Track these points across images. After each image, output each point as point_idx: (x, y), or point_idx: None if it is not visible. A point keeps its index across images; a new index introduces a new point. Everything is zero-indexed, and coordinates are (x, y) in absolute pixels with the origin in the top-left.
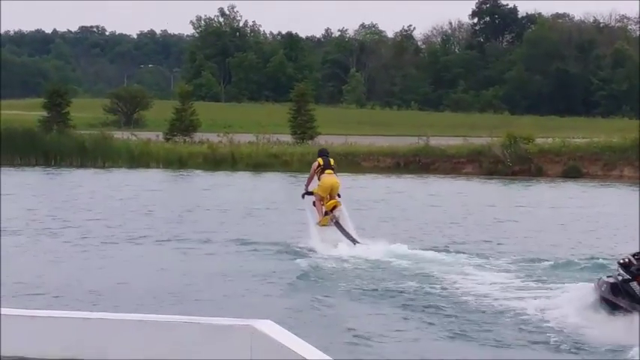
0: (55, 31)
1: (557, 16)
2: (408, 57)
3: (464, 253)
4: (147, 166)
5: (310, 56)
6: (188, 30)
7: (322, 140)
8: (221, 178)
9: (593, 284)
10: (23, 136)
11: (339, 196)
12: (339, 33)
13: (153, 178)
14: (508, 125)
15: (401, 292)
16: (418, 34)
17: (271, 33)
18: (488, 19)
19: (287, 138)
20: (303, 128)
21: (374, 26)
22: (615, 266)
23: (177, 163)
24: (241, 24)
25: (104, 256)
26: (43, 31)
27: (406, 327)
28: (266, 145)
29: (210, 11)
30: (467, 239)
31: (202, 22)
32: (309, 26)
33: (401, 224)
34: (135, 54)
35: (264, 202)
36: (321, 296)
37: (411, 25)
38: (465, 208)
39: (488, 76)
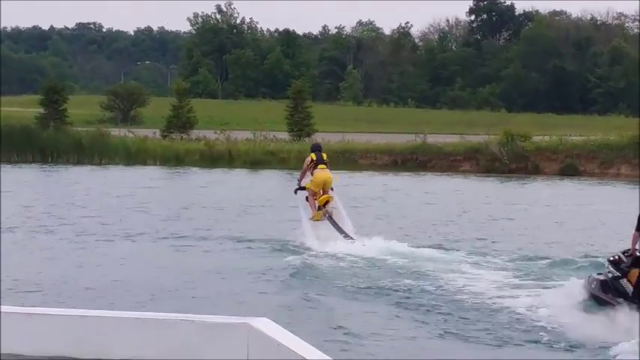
0: (52, 28)
1: (555, 13)
2: (405, 54)
3: (460, 250)
4: (144, 163)
5: (307, 53)
6: (185, 27)
7: (319, 137)
8: (218, 175)
9: (583, 281)
10: (20, 133)
11: (332, 189)
12: (337, 30)
13: (149, 175)
14: (505, 123)
15: (396, 290)
16: (415, 31)
17: (268, 30)
18: (485, 16)
19: (284, 135)
20: (300, 125)
21: (371, 23)
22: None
23: (174, 160)
24: (238, 21)
25: (100, 253)
26: (40, 28)
27: (401, 325)
28: (263, 142)
29: (208, 8)
30: (463, 237)
31: (199, 18)
32: (306, 23)
33: (397, 222)
34: (132, 51)
35: (260, 199)
36: (316, 294)
37: (408, 23)
38: (461, 206)
39: (485, 73)
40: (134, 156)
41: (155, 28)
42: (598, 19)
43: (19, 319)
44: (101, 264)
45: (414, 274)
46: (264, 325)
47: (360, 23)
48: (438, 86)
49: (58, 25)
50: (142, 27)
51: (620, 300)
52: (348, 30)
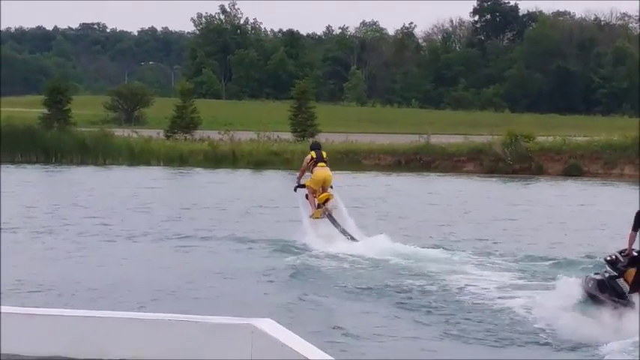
0: (55, 28)
1: (558, 14)
2: (408, 55)
3: (462, 251)
4: (147, 163)
5: (311, 54)
6: (189, 27)
7: (323, 138)
8: (221, 175)
9: (574, 280)
10: (24, 133)
11: (331, 187)
12: (340, 30)
13: (153, 175)
14: (508, 123)
15: (398, 290)
16: (419, 31)
17: (272, 30)
18: (489, 16)
19: (287, 136)
20: (303, 126)
21: (375, 24)
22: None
23: (178, 160)
24: (242, 21)
25: (102, 253)
26: (44, 28)
27: (403, 326)
28: (267, 142)
29: (211, 8)
30: (466, 237)
31: (203, 19)
32: (310, 23)
33: (400, 222)
34: (136, 51)
35: (263, 199)
36: (317, 294)
37: (412, 23)
38: (464, 207)
39: (488, 74)
40: (138, 156)
41: (159, 29)
42: (602, 19)
43: (20, 319)
44: (103, 264)
45: (416, 274)
46: (268, 325)
47: (363, 24)
48: (441, 87)
49: (62, 26)
50: (146, 27)
51: (617, 299)
52: (351, 30)
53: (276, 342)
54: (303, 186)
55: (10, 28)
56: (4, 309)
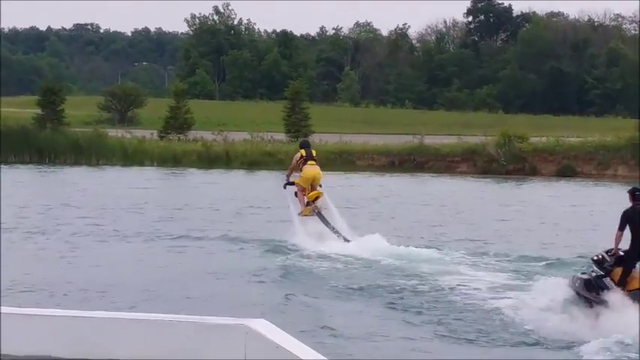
0: (49, 29)
1: (552, 14)
2: (402, 55)
3: (455, 251)
4: (141, 164)
5: (305, 54)
6: (183, 28)
7: (316, 138)
8: (215, 176)
9: (567, 280)
10: (17, 134)
11: (320, 186)
12: (334, 31)
13: (146, 176)
14: (502, 124)
15: (390, 291)
16: (413, 32)
17: (266, 31)
18: (482, 17)
19: (281, 136)
20: (297, 126)
21: (368, 24)
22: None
23: (172, 161)
24: (236, 22)
25: (95, 254)
26: (38, 29)
27: (395, 326)
28: (260, 143)
29: (205, 9)
30: (459, 238)
31: (197, 19)
32: (303, 24)
33: (393, 223)
34: (129, 52)
35: (256, 200)
36: (309, 294)
37: (405, 24)
38: (457, 207)
39: (482, 74)
40: (131, 157)
41: (152, 29)
42: (595, 20)
43: (17, 320)
44: (95, 264)
45: (409, 274)
46: (262, 326)
47: (357, 24)
48: (435, 87)
49: (56, 26)
50: (140, 28)
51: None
52: (345, 31)
53: (270, 342)
54: (293, 183)
55: (4, 28)
56: (4, 309)
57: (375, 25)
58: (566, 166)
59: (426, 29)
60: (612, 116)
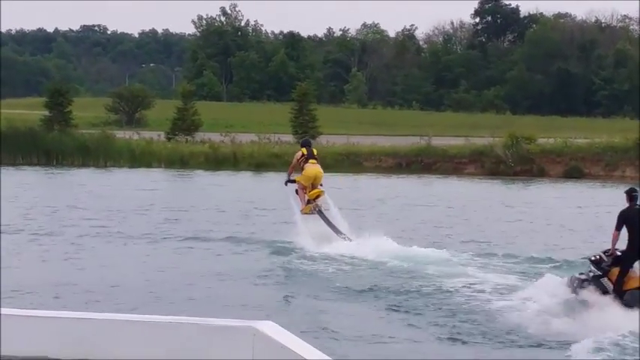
0: (56, 30)
1: (559, 15)
2: (409, 57)
3: (462, 253)
4: (149, 165)
5: (312, 56)
6: (190, 29)
7: (324, 140)
8: (222, 178)
9: (565, 280)
10: (25, 136)
11: (321, 185)
12: (341, 32)
13: (154, 177)
14: (509, 125)
15: (396, 292)
16: (420, 33)
17: (273, 32)
18: (490, 18)
19: (289, 138)
20: (304, 128)
21: (376, 26)
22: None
23: (179, 162)
24: (243, 23)
25: (101, 255)
26: (45, 30)
27: (400, 327)
28: (268, 144)
29: (212, 10)
30: (466, 239)
31: (204, 21)
32: (310, 25)
33: (400, 224)
34: (136, 53)
35: (262, 201)
36: (314, 296)
37: (412, 25)
38: (465, 209)
39: (489, 75)
40: (139, 158)
41: (160, 31)
42: (603, 21)
43: (18, 321)
44: (102, 266)
45: (415, 276)
46: (269, 328)
47: (364, 26)
48: (442, 89)
49: (63, 28)
50: (147, 29)
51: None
52: (352, 32)
53: (277, 344)
54: (294, 181)
55: (11, 30)
56: (5, 311)
57: (382, 27)
58: (574, 168)
59: (433, 30)
60: (620, 117)
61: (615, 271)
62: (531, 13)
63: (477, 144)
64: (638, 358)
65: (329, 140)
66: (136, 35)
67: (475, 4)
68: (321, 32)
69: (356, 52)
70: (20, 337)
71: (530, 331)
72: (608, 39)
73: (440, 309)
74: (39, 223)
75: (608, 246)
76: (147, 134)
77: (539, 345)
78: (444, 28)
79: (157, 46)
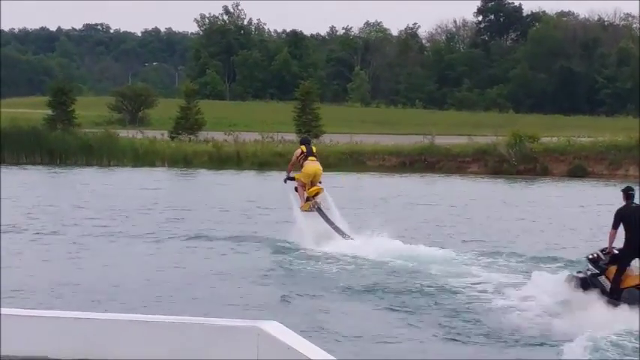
0: (59, 29)
1: (562, 14)
2: (412, 55)
3: (464, 252)
4: (152, 164)
5: (315, 54)
6: (192, 28)
7: (327, 139)
8: (226, 177)
9: (563, 278)
10: (28, 135)
11: (320, 182)
12: (344, 31)
13: (157, 176)
14: (513, 124)
15: (399, 291)
16: (423, 32)
17: (275, 31)
18: (492, 17)
19: (292, 137)
20: (308, 127)
21: (378, 24)
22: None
23: (183, 161)
24: (246, 22)
25: (104, 255)
26: (48, 29)
27: (403, 327)
28: (271, 143)
29: (215, 9)
30: (469, 238)
31: (207, 20)
32: (313, 24)
33: (402, 223)
34: (139, 52)
35: (265, 200)
36: (317, 295)
37: (415, 24)
38: (468, 208)
39: (492, 74)
40: (142, 157)
41: (162, 30)
42: (605, 19)
43: (19, 321)
44: (105, 266)
45: (418, 275)
46: (273, 327)
47: (367, 24)
48: (445, 87)
49: (66, 27)
50: (150, 28)
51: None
52: (355, 31)
53: (281, 344)
54: (293, 178)
55: (14, 28)
56: (7, 311)
57: (385, 25)
58: (578, 167)
59: (436, 29)
60: (623, 116)
61: (613, 269)
62: (534, 11)
63: (480, 143)
64: (638, 358)
65: (332, 139)
66: (139, 34)
67: (478, 3)
68: (323, 31)
69: (359, 51)
70: (20, 336)
71: (529, 331)
72: (611, 37)
73: (443, 308)
74: (42, 222)
75: (616, 244)
76: (150, 133)
77: (540, 344)
78: (446, 27)
79: (160, 45)
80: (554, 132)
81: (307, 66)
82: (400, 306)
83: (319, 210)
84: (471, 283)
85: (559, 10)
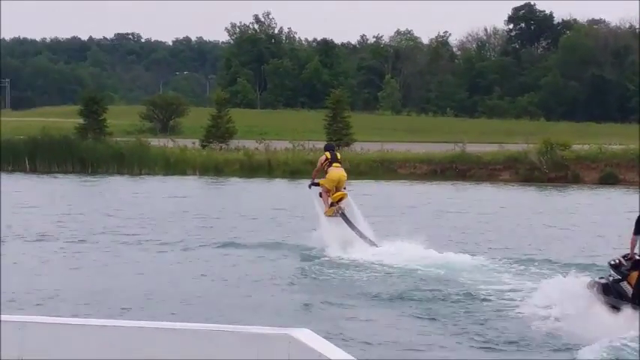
0: (91, 39)
1: (593, 22)
2: (443, 63)
3: (495, 259)
4: (183, 173)
5: (345, 63)
6: (223, 37)
7: (358, 147)
8: (256, 185)
9: (586, 283)
10: (60, 144)
11: (344, 188)
12: (375, 39)
13: (188, 185)
14: (544, 131)
15: (428, 299)
16: (453, 40)
17: (306, 39)
18: (523, 25)
19: (323, 145)
20: (339, 135)
21: (409, 32)
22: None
23: (214, 170)
24: (276, 31)
25: (135, 262)
26: (79, 39)
27: (433, 335)
28: (302, 152)
29: (246, 18)
30: (499, 246)
31: (237, 29)
32: (344, 33)
33: (431, 230)
34: (170, 61)
35: (295, 208)
36: (346, 304)
37: (446, 32)
38: (499, 215)
39: (523, 82)
40: (173, 166)
41: (193, 39)
42: (636, 27)
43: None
44: (137, 274)
45: (447, 282)
46: (305, 335)
47: (398, 32)
48: (476, 95)
49: (97, 36)
50: (181, 37)
51: (621, 301)
52: (386, 39)
53: (313, 352)
54: (318, 184)
55: (46, 38)
56: (33, 318)
57: (416, 33)
58: (609, 174)
59: (466, 37)
60: None
61: (634, 274)
62: (565, 19)
63: (511, 150)
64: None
65: (363, 147)
66: (170, 43)
67: (509, 11)
68: (354, 39)
69: (390, 59)
70: (47, 344)
71: (556, 338)
72: None
73: (472, 316)
74: (72, 230)
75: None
76: (181, 142)
77: (566, 349)
78: (477, 35)
79: (191, 54)
80: (585, 139)
81: (338, 74)
82: (430, 314)
83: (343, 215)
84: (501, 291)
85: (590, 18)
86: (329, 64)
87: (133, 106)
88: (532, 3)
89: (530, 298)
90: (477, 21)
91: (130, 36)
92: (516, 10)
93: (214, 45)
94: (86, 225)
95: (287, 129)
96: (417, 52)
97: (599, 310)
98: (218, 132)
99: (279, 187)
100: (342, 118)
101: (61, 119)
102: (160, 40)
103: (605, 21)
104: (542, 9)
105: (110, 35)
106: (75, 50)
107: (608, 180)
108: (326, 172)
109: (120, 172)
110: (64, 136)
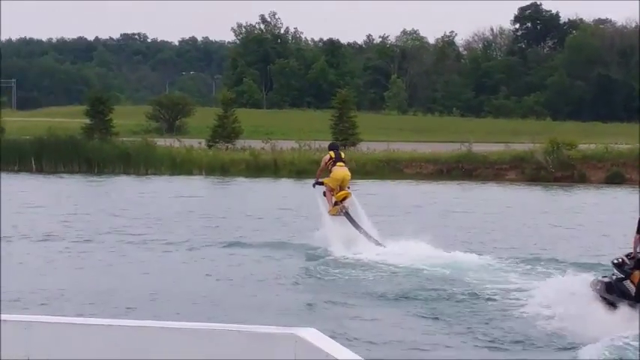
0: (97, 39)
1: (599, 21)
2: (449, 63)
3: (501, 258)
4: (189, 173)
5: (352, 63)
6: (229, 37)
7: (364, 147)
8: (262, 184)
9: (589, 281)
10: (66, 144)
11: (348, 187)
12: (381, 39)
13: (194, 185)
14: (550, 131)
15: (434, 298)
16: (459, 40)
17: (312, 39)
18: (529, 24)
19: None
20: (345, 135)
21: (415, 32)
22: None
23: (220, 170)
24: (282, 31)
25: (141, 262)
26: (86, 39)
27: (438, 334)
28: (308, 151)
29: (252, 18)
30: (505, 246)
31: (243, 28)
32: (350, 32)
33: (437, 230)
34: (176, 61)
35: (301, 208)
36: (353, 302)
37: (452, 32)
38: (505, 215)
39: (529, 81)
40: (179, 166)
41: (199, 39)
42: None
43: (54, 328)
44: (142, 273)
45: (453, 281)
46: (312, 335)
47: (404, 32)
48: (482, 95)
49: (103, 36)
50: (187, 37)
51: (625, 300)
52: (392, 39)
53: (319, 351)
54: (322, 183)
55: (52, 38)
56: (37, 318)
57: (422, 33)
58: (615, 173)
59: (472, 37)
60: None
61: (637, 273)
62: (571, 19)
63: (518, 150)
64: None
65: (369, 147)
66: (176, 43)
67: (515, 11)
68: (360, 39)
69: (396, 59)
70: (51, 344)
71: (562, 337)
72: None
73: (478, 315)
74: (77, 230)
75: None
76: (187, 142)
77: (571, 348)
78: (483, 35)
79: (197, 54)
80: (591, 139)
81: (344, 74)
82: (435, 313)
83: (347, 214)
84: (507, 290)
85: (596, 18)
86: (335, 64)
87: (139, 106)
88: (538, 3)
89: (534, 297)
90: (483, 21)
91: (136, 36)
92: (522, 9)
93: (220, 45)
94: (92, 225)
95: (293, 129)
96: (423, 52)
97: (602, 309)
98: (224, 132)
99: (285, 187)
100: (348, 118)
101: (67, 119)
102: (166, 40)
103: (611, 20)
104: (548, 9)
105: (116, 35)
106: (81, 50)
107: (615, 179)
108: (330, 172)
109: (126, 172)
110: (70, 136)
